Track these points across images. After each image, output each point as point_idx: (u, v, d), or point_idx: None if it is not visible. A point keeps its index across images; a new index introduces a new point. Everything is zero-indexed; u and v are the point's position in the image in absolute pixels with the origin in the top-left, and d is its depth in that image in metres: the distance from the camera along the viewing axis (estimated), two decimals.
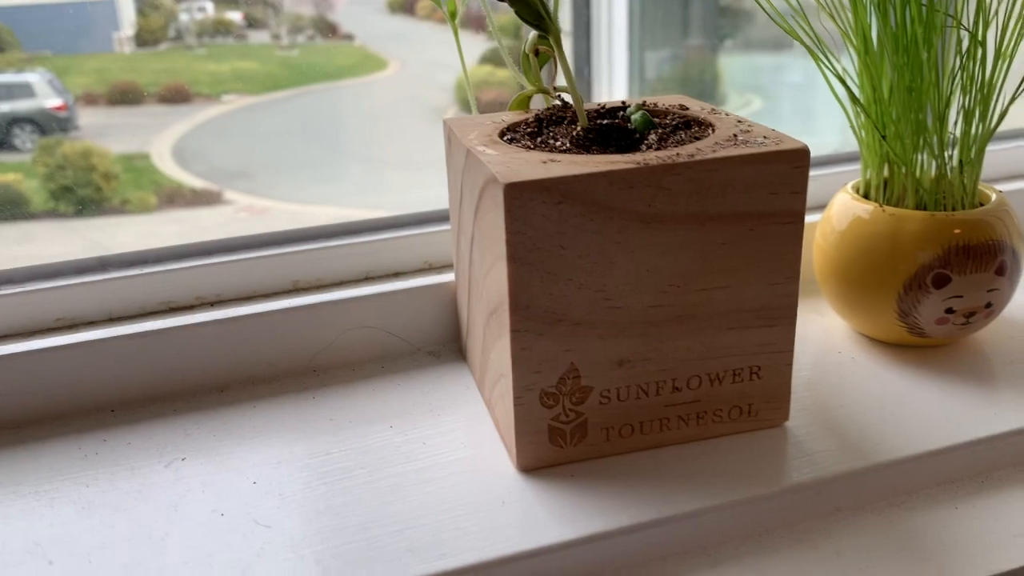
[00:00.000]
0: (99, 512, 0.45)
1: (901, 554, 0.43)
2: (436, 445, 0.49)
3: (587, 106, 0.52)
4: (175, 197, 1.41)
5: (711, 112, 0.51)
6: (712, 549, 0.44)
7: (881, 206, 0.54)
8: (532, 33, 0.50)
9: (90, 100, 1.34)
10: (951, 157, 0.54)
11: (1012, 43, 0.52)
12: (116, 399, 0.54)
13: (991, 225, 0.52)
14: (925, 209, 0.54)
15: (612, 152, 0.46)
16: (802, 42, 0.53)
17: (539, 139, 0.48)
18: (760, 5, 0.52)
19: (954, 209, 0.54)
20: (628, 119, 0.50)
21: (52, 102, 1.21)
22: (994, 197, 0.55)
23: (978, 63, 0.51)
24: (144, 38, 1.36)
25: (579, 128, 0.48)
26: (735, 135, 0.46)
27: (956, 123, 0.53)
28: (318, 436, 0.51)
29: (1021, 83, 0.52)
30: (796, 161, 0.44)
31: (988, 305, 0.53)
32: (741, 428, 0.48)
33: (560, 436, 0.46)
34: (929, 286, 0.52)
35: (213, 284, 0.60)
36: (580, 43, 1.28)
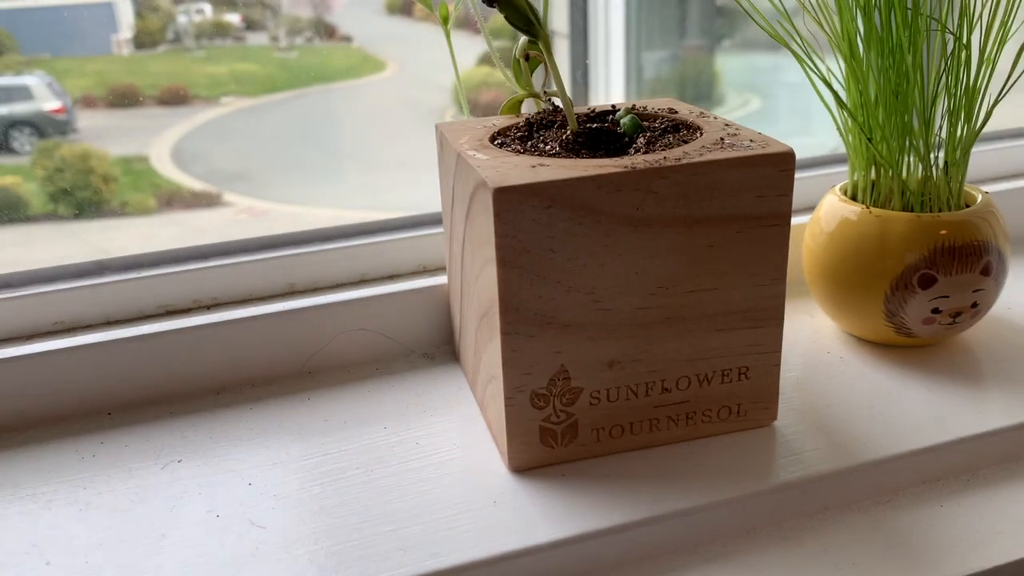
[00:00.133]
0: (96, 513, 0.45)
1: (887, 552, 0.43)
2: (429, 446, 0.50)
3: (577, 110, 0.53)
4: (174, 199, 1.41)
5: (699, 116, 0.51)
6: (702, 548, 0.44)
7: (868, 208, 0.54)
8: (523, 38, 0.51)
9: (89, 102, 1.35)
10: (937, 159, 0.54)
11: (996, 46, 0.52)
12: (113, 402, 0.55)
13: (976, 226, 0.53)
14: (911, 211, 0.54)
15: (601, 156, 0.47)
16: (789, 48, 0.53)
17: (529, 143, 0.49)
18: (746, 11, 0.52)
19: (940, 210, 0.54)
20: (617, 123, 0.50)
21: (51, 105, 1.22)
22: (980, 198, 0.56)
23: (963, 66, 0.52)
24: (142, 40, 1.37)
25: (569, 132, 0.49)
26: (722, 138, 0.46)
27: (941, 126, 0.54)
28: (313, 437, 0.51)
29: (1005, 85, 0.53)
30: (782, 164, 0.44)
31: (974, 305, 0.54)
32: (730, 428, 0.49)
33: (551, 437, 0.46)
34: (915, 286, 0.53)
35: (210, 287, 0.61)
36: (577, 44, 1.28)
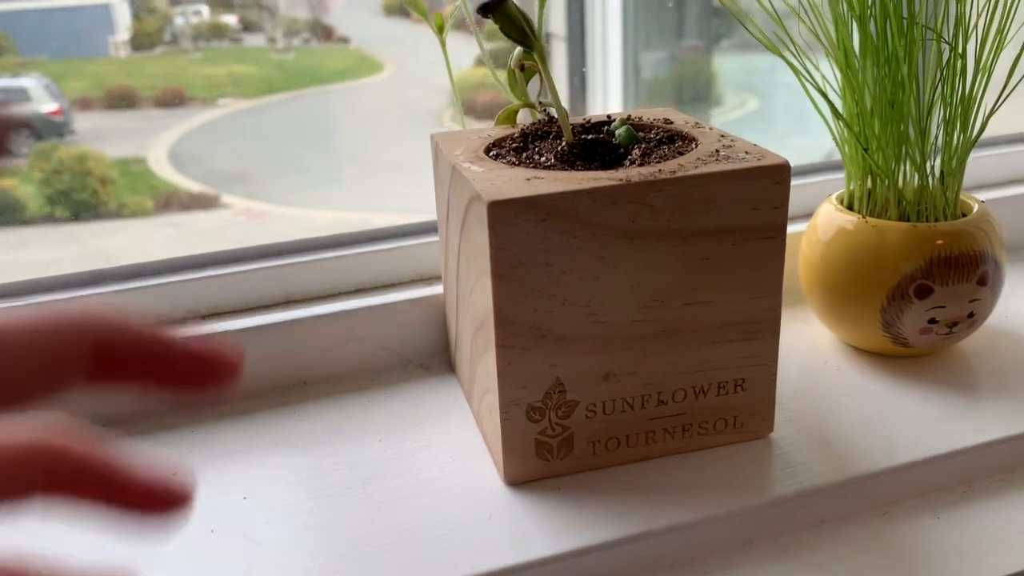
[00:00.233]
0: (90, 528, 0.45)
1: (884, 564, 0.43)
2: (425, 459, 0.50)
3: (573, 120, 0.53)
4: (172, 201, 1.41)
5: (695, 126, 0.51)
6: (698, 561, 0.44)
7: (864, 217, 0.54)
8: (518, 48, 0.50)
9: (86, 104, 1.35)
10: (933, 168, 0.54)
11: (991, 55, 0.52)
12: (108, 415, 0.55)
13: (973, 236, 0.53)
14: (908, 220, 0.54)
15: (596, 167, 0.46)
16: (784, 58, 0.53)
17: (524, 154, 0.49)
18: (739, 20, 0.52)
19: (936, 220, 0.54)
20: (612, 134, 0.50)
21: (48, 107, 1.22)
22: (976, 207, 0.55)
23: (958, 75, 0.52)
24: (140, 42, 1.37)
25: (564, 143, 0.49)
26: (717, 150, 0.46)
27: (937, 135, 0.54)
28: (309, 450, 0.51)
29: (1001, 94, 0.52)
30: (777, 176, 0.44)
31: (971, 315, 0.53)
32: (726, 440, 0.49)
33: (547, 450, 0.46)
34: (912, 296, 0.53)
35: (207, 297, 0.61)
36: (575, 47, 1.28)
